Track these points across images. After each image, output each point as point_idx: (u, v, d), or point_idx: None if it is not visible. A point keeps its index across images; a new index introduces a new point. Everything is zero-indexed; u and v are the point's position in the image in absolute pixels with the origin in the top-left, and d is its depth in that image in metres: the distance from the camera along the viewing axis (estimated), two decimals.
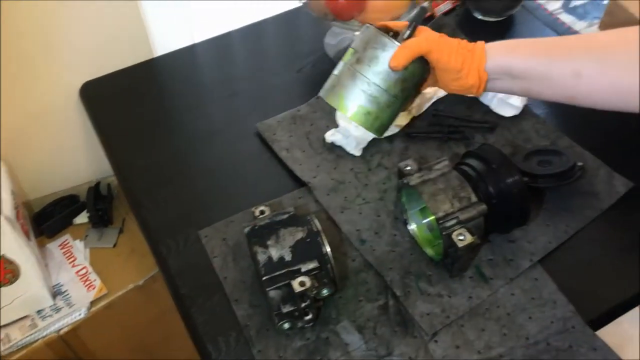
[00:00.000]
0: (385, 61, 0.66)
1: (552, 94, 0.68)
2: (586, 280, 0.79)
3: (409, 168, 0.78)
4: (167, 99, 1.05)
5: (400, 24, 0.70)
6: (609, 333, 1.69)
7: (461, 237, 0.71)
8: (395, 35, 0.69)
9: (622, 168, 0.88)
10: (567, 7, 1.13)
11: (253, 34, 1.13)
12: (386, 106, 0.68)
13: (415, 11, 0.68)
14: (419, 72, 0.68)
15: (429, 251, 0.80)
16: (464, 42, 0.69)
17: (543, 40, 0.68)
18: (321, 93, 0.70)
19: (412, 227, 0.82)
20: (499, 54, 0.67)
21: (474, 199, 0.74)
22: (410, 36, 0.68)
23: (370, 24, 0.68)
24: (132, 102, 1.03)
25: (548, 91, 0.68)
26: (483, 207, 0.73)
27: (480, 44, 0.69)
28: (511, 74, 0.67)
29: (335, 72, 0.69)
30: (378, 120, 0.69)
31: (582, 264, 0.80)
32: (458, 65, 0.67)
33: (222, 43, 1.12)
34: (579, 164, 0.86)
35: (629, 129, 0.95)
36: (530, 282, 0.78)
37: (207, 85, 1.06)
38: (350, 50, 0.69)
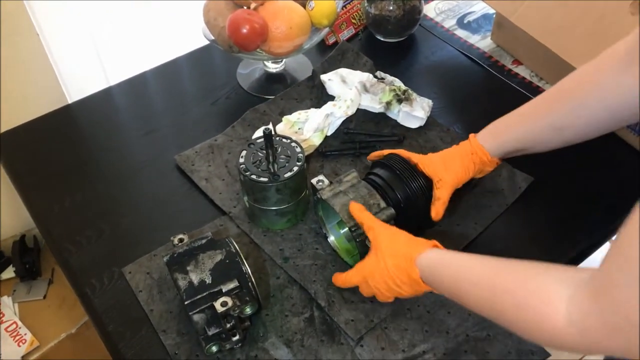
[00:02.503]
0: (272, 195, 0.82)
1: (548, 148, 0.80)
2: None
3: (320, 183, 0.81)
4: (84, 142, 1.05)
5: None
6: None
7: None
8: None
9: (522, 165, 0.94)
10: (461, 23, 1.21)
11: (167, 72, 1.15)
12: (295, 206, 0.85)
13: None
14: (295, 181, 0.82)
15: (350, 261, 0.83)
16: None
17: (518, 111, 0.80)
18: (249, 219, 0.89)
19: (332, 239, 0.85)
20: (489, 143, 0.81)
21: (383, 205, 0.78)
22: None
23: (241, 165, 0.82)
24: (48, 149, 1.02)
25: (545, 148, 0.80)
26: (391, 211, 0.77)
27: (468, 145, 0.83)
28: (507, 153, 0.82)
29: (247, 205, 0.86)
30: (297, 217, 0.87)
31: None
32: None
33: (137, 83, 1.14)
34: None
35: None
36: None
37: (125, 125, 1.07)
38: (246, 193, 0.85)
